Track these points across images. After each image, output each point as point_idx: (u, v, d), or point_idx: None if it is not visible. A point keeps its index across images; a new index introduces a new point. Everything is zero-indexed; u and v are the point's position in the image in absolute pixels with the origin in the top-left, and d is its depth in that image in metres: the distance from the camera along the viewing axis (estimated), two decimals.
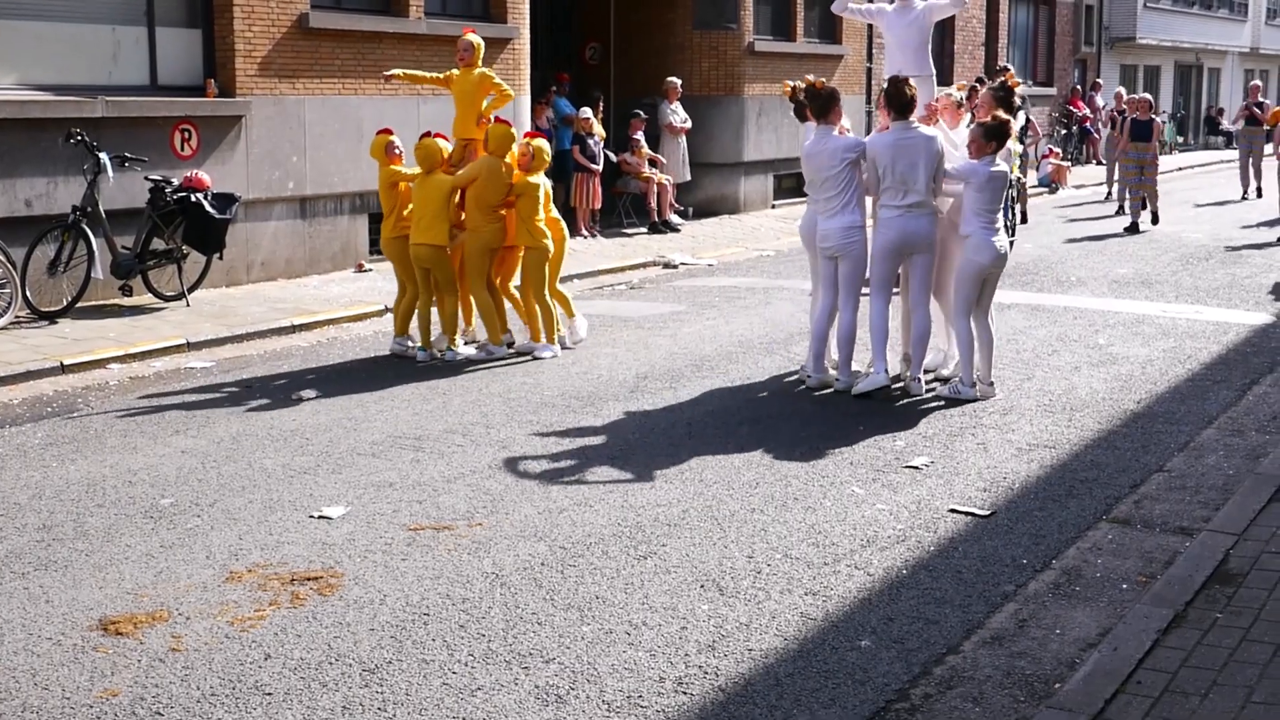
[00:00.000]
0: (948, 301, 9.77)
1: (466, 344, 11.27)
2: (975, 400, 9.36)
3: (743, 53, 22.29)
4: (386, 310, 12.76)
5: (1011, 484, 7.50)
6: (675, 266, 16.77)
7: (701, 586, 5.95)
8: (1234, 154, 28.34)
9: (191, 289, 13.25)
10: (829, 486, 7.43)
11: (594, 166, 19.18)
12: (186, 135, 13.75)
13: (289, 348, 11.66)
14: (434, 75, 11.71)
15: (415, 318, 11.08)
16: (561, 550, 6.40)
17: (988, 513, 6.99)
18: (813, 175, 9.61)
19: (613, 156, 20.11)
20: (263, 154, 14.50)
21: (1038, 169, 28.59)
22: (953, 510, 7.02)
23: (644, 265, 16.82)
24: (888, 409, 9.23)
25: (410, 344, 11.07)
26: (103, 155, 12.51)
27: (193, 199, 12.80)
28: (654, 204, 20.07)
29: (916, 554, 6.38)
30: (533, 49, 18.38)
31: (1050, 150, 29.90)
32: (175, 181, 13.03)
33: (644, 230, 19.89)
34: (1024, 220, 20.38)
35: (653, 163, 20.38)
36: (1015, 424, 8.79)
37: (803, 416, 9.03)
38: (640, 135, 20.28)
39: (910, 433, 8.58)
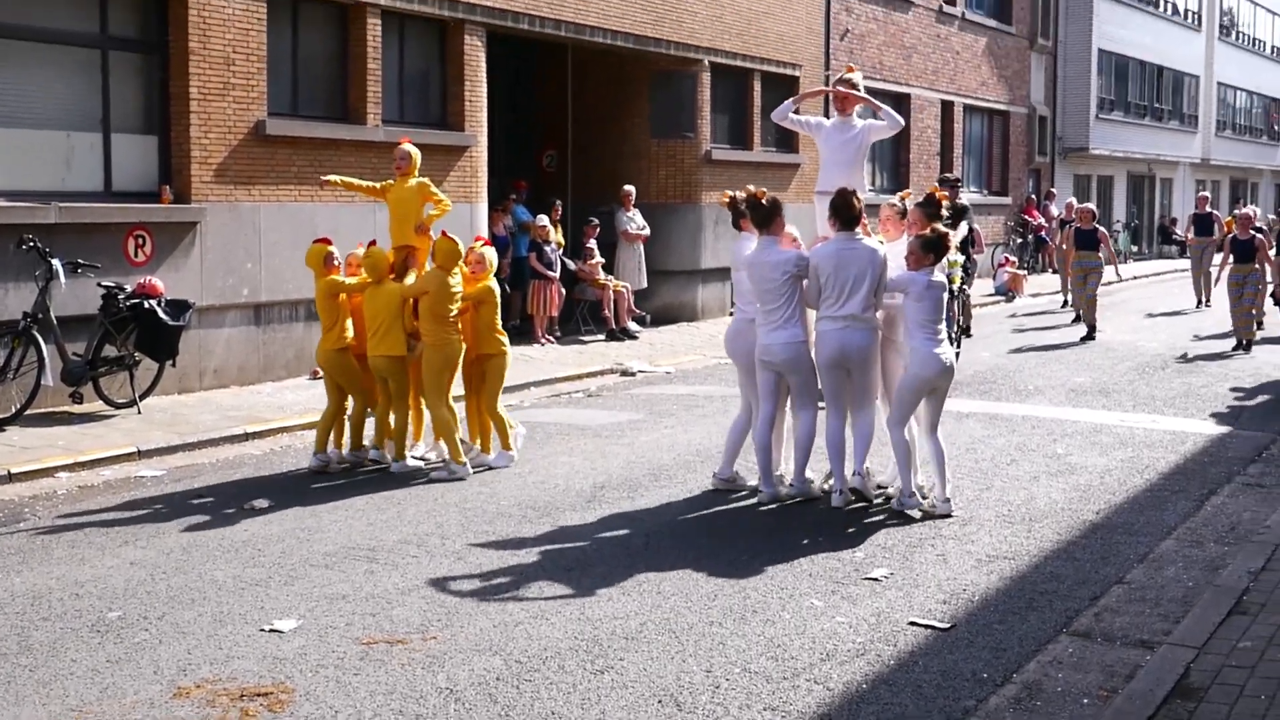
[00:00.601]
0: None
1: (415, 457, 11.09)
2: (925, 515, 9.26)
3: (700, 161, 22.58)
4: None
5: (971, 596, 7.51)
6: (633, 374, 16.84)
7: (659, 702, 5.91)
8: (1188, 263, 28.71)
9: (143, 396, 13.18)
10: (788, 599, 7.42)
11: (551, 273, 19.31)
12: (141, 241, 13.76)
13: (242, 456, 11.60)
14: (370, 185, 11.60)
15: (345, 428, 11.03)
16: (517, 664, 6.35)
17: (948, 625, 6.99)
18: (755, 286, 9.61)
19: (571, 264, 20.25)
20: (217, 260, 14.52)
21: (994, 278, 28.98)
22: (913, 623, 7.02)
23: (602, 373, 16.87)
24: (847, 520, 9.25)
25: (329, 457, 10.88)
26: (55, 261, 12.50)
27: (146, 305, 12.80)
28: (610, 311, 20.17)
29: (876, 668, 6.37)
30: (490, 156, 18.58)
31: (1006, 259, 30.32)
32: (128, 288, 13.03)
33: (602, 337, 19.98)
34: (967, 333, 20.35)
35: (606, 269, 20.53)
36: (974, 535, 8.83)
37: (762, 528, 9.04)
38: (593, 243, 20.45)
39: (869, 544, 8.60)
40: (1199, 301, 26.14)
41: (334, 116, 16.19)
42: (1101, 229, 21.57)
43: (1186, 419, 13.33)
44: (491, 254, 11.13)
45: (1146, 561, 8.24)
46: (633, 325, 20.45)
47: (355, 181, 11.76)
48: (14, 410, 12.31)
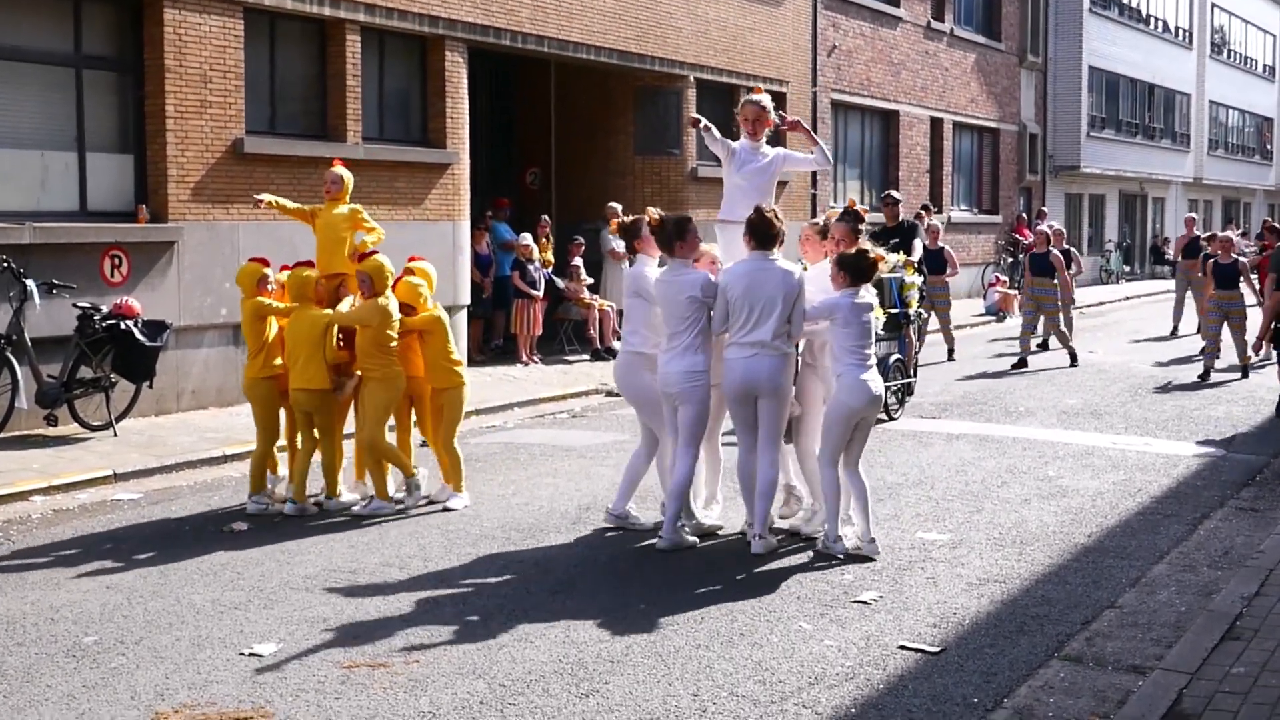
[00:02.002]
0: (809, 450, 9.31)
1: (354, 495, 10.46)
2: (852, 557, 8.75)
3: (686, 178, 22.67)
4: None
5: (962, 620, 7.55)
6: (617, 394, 16.85)
7: None
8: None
9: (119, 418, 13.19)
10: (776, 622, 7.46)
11: (534, 293, 19.36)
12: (117, 261, 13.79)
13: (220, 478, 11.61)
14: (299, 208, 11.18)
15: (279, 466, 10.55)
16: (501, 688, 6.38)
17: (938, 649, 7.03)
18: (663, 310, 9.08)
19: (559, 282, 20.31)
20: (195, 280, 14.55)
21: (984, 297, 29.08)
22: (902, 647, 7.06)
23: (586, 393, 16.92)
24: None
25: (267, 500, 10.24)
26: (29, 282, 12.53)
27: (122, 326, 12.80)
28: (595, 331, 20.22)
29: (866, 692, 6.40)
30: (472, 174, 18.64)
31: (997, 278, 30.45)
32: (105, 308, 13.04)
33: (586, 357, 20.03)
34: (950, 357, 20.42)
35: (592, 288, 20.60)
36: (965, 558, 8.87)
37: (747, 551, 9.06)
38: (579, 261, 20.51)
39: (858, 566, 8.63)
40: (1173, 329, 25.24)
41: (313, 134, 16.24)
42: (1055, 253, 20.46)
43: (1179, 442, 13.40)
44: (432, 273, 10.58)
45: (1139, 586, 8.29)
46: (617, 345, 20.46)
47: (286, 203, 11.23)
48: None
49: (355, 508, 10.20)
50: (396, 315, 10.00)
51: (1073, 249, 23.21)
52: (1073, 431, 13.98)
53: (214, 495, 10.93)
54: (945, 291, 20.62)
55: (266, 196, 11.30)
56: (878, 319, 13.08)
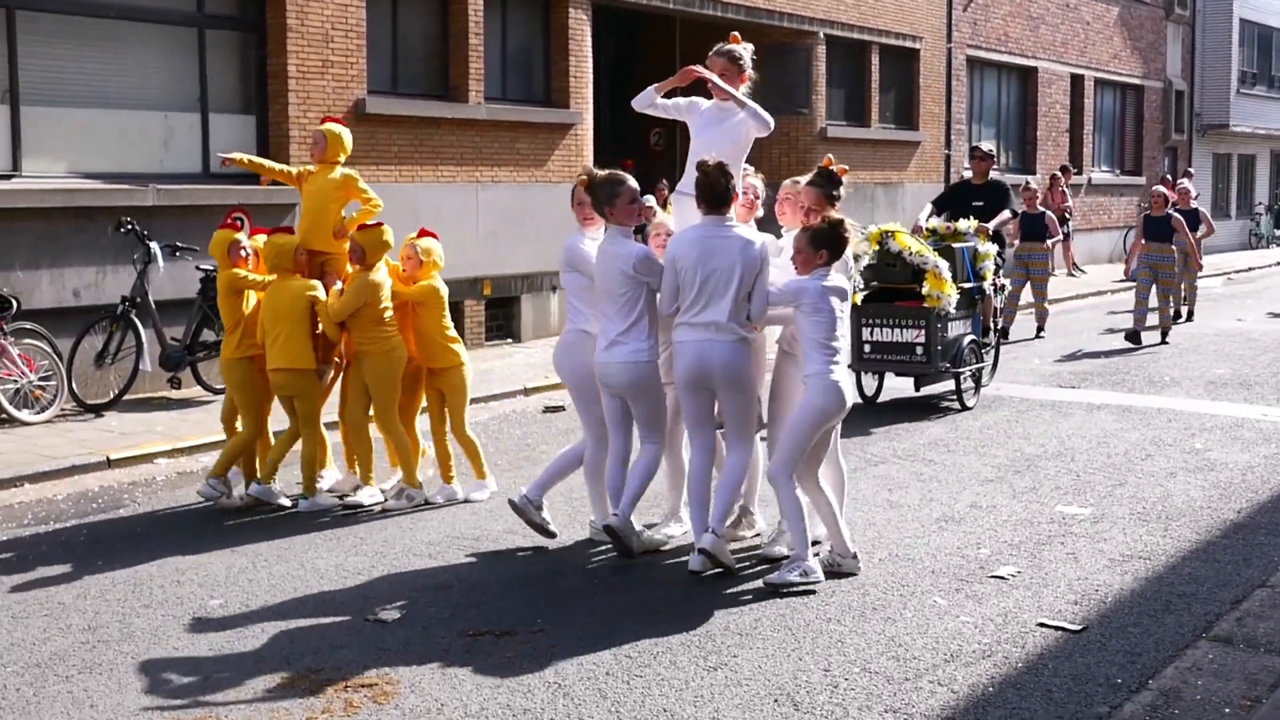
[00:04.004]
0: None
1: (328, 491, 9.76)
2: (836, 573, 7.73)
3: (815, 138, 22.53)
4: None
5: (1104, 597, 7.44)
6: None
7: (775, 701, 5.94)
8: None
9: None
10: (909, 596, 7.41)
11: None
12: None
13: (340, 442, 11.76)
14: (283, 169, 10.10)
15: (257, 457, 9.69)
16: (627, 659, 6.41)
17: (1079, 627, 6.94)
18: (600, 284, 8.02)
19: None
20: None
21: (1125, 263, 28.48)
22: (1041, 624, 6.97)
23: None
24: (972, 515, 9.20)
25: (223, 489, 9.48)
26: (153, 244, 12.80)
27: None
28: None
29: (1003, 670, 6.34)
30: (596, 135, 18.66)
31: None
32: None
33: None
34: (1005, 336, 18.59)
35: None
36: (1107, 533, 8.74)
37: (880, 524, 9.01)
38: None
39: (995, 540, 8.54)
40: None
41: (435, 94, 16.38)
42: (1176, 215, 18.90)
43: None
44: (432, 245, 9.52)
45: None
46: None
47: (264, 163, 10.29)
48: (112, 395, 12.64)
49: (374, 501, 9.47)
50: (388, 285, 9.24)
51: (1202, 209, 21.73)
52: (1220, 403, 13.69)
53: (336, 458, 11.08)
54: (1044, 260, 19.67)
55: (236, 155, 10.23)
56: (951, 295, 12.84)
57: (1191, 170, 35.97)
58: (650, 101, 8.42)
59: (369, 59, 15.42)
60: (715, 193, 7.68)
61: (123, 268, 13.03)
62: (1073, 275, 28.84)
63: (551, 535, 8.46)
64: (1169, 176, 35.37)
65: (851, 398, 7.74)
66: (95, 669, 6.32)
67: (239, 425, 9.68)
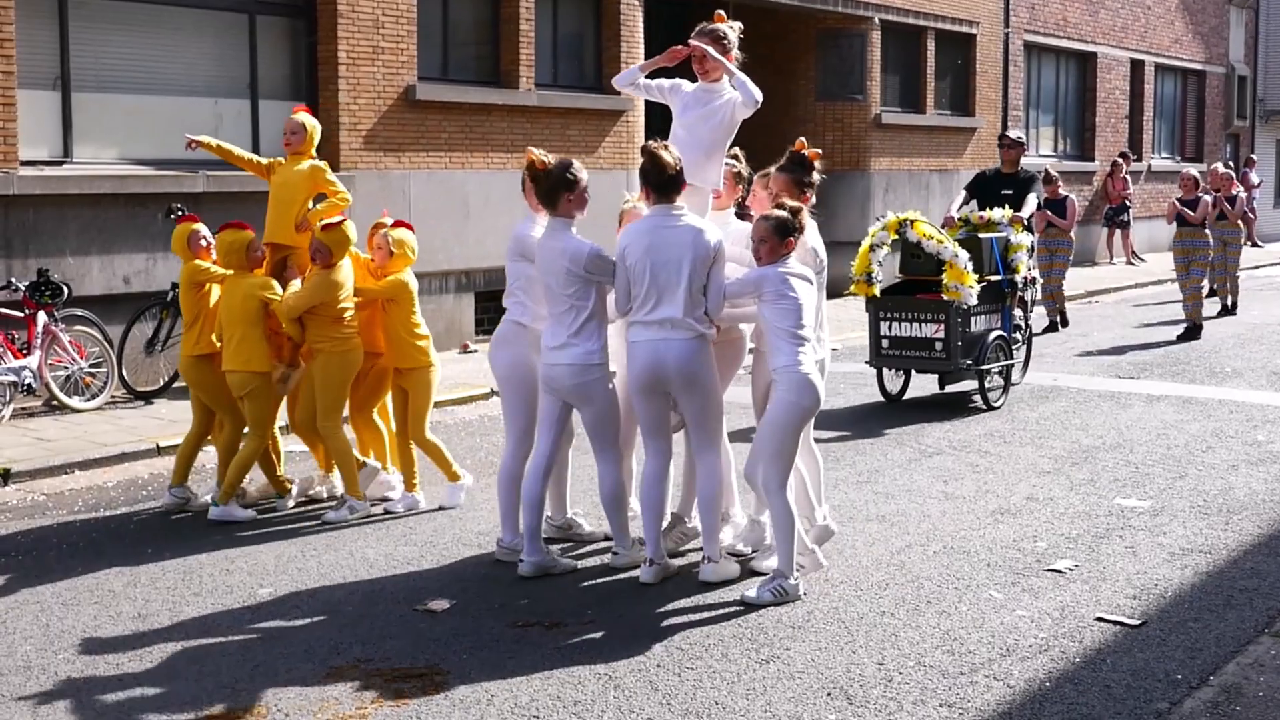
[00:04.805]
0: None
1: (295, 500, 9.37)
2: (776, 599, 7.09)
3: (869, 125, 22.43)
4: (493, 394, 12.86)
5: (1164, 592, 7.38)
6: None
7: (828, 695, 5.92)
8: None
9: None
10: (964, 590, 7.37)
11: None
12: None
13: None
14: (252, 158, 9.78)
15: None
16: (678, 651, 6.41)
17: (1138, 622, 6.88)
18: (542, 280, 7.57)
19: None
20: (365, 229, 14.77)
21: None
22: (1100, 619, 6.92)
23: None
24: (1029, 508, 9.14)
25: (192, 493, 9.28)
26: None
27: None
28: None
29: (1061, 665, 6.30)
30: (647, 122, 18.64)
31: None
32: None
33: None
34: (1064, 323, 18.77)
35: None
36: (1167, 526, 8.66)
37: (935, 516, 8.97)
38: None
39: (1052, 534, 8.48)
40: None
41: (485, 81, 16.40)
42: (1206, 199, 18.40)
43: None
44: (405, 237, 9.15)
45: None
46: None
47: (233, 149, 9.76)
48: (162, 383, 12.75)
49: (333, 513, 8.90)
50: (349, 284, 8.79)
51: (1240, 193, 20.83)
52: None
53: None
54: (1066, 247, 19.08)
55: (203, 137, 9.86)
56: (972, 287, 12.20)
57: (1254, 157, 35.59)
58: (632, 80, 8.18)
59: (420, 45, 15.45)
60: (662, 179, 7.31)
61: (173, 254, 13.09)
62: (1131, 263, 28.61)
63: (569, 569, 7.78)
64: (1231, 163, 35.04)
65: (822, 389, 7.27)
66: (146, 657, 6.37)
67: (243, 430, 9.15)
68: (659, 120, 20.72)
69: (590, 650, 6.42)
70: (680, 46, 8.03)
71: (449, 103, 15.69)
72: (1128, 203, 28.91)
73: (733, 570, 7.53)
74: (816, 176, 7.85)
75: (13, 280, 11.94)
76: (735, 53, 8.02)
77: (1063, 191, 19.27)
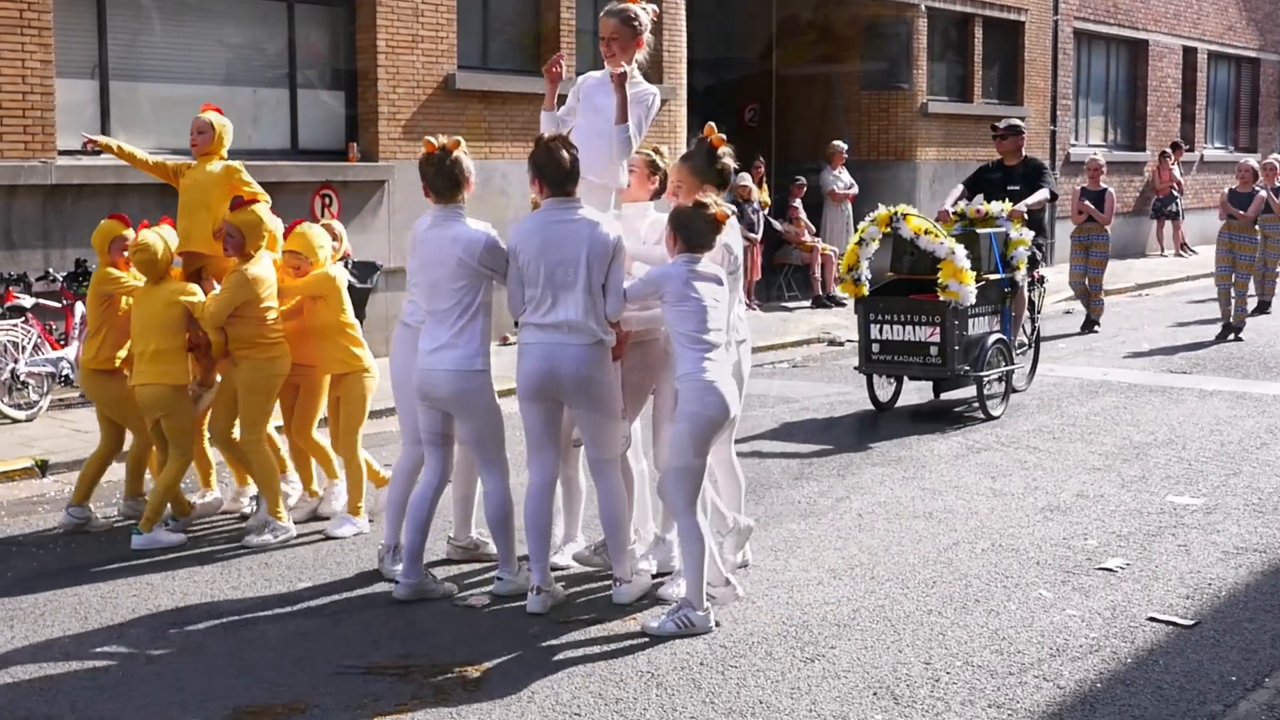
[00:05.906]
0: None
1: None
2: (681, 631, 6.57)
3: (915, 114, 22.34)
4: None
5: (1218, 591, 7.33)
6: (841, 344, 16.73)
7: (874, 694, 5.91)
8: None
9: None
10: (1013, 588, 7.33)
11: (753, 235, 19.28)
12: (327, 201, 14.14)
13: None
14: (155, 160, 9.30)
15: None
16: (722, 649, 6.40)
17: (1191, 622, 6.83)
18: (423, 274, 7.11)
19: (776, 225, 20.22)
20: (406, 220, 14.80)
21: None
22: (1152, 619, 6.88)
23: (807, 342, 16.84)
24: (1079, 505, 9.09)
25: (88, 512, 8.61)
26: None
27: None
28: (818, 276, 20.11)
29: (1112, 666, 6.26)
30: (689, 111, 18.61)
31: None
32: None
33: (807, 304, 19.93)
34: (1095, 324, 17.86)
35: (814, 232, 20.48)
36: (1220, 524, 8.60)
37: (983, 513, 8.92)
38: (798, 203, 20.38)
39: (1103, 531, 8.44)
40: None
41: (526, 69, 16.38)
42: (1262, 193, 17.82)
43: None
44: (317, 233, 8.63)
45: None
46: (838, 292, 20.31)
47: (134, 151, 9.25)
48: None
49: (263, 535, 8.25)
50: (271, 280, 8.24)
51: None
52: None
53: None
54: (1103, 241, 18.03)
55: (101, 138, 9.51)
56: (970, 286, 11.29)
57: None
58: (553, 124, 7.52)
59: (459, 34, 15.46)
60: (557, 172, 6.86)
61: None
62: (1181, 255, 28.40)
63: (449, 594, 7.24)
64: None
65: (734, 400, 6.80)
66: (184, 651, 6.41)
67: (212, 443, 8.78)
68: (700, 109, 20.76)
69: (633, 648, 6.42)
70: (553, 66, 7.66)
71: (489, 91, 15.69)
72: (1175, 194, 28.68)
73: (646, 584, 7.19)
74: (729, 164, 7.29)
75: (50, 270, 12.01)
76: (647, 36, 7.49)
77: (1103, 183, 18.66)
